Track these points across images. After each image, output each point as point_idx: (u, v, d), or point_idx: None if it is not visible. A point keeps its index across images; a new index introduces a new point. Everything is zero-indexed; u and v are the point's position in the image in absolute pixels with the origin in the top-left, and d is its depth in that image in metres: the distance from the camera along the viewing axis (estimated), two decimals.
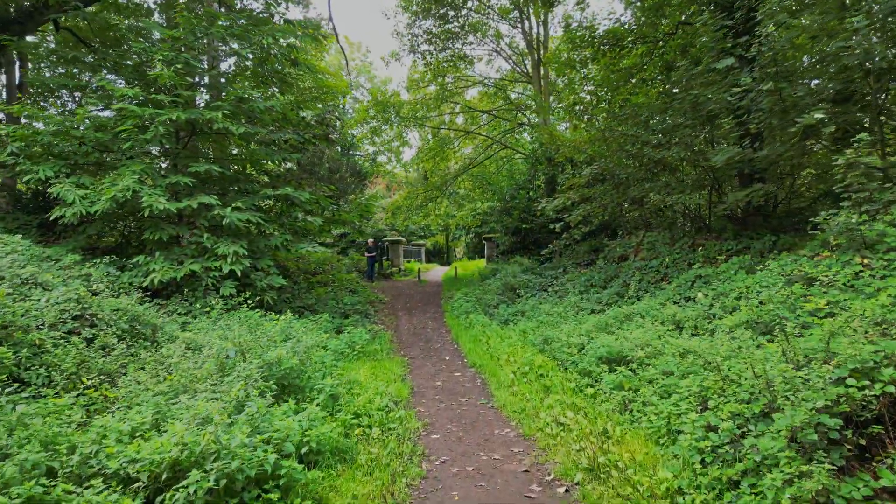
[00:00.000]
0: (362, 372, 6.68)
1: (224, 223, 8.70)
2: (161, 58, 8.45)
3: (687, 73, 9.39)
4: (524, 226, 17.37)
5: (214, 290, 8.97)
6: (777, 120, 7.40)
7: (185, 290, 8.82)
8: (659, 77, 12.76)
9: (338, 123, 24.50)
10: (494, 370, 7.13)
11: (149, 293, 8.60)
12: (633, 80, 12.64)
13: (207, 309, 8.29)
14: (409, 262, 26.88)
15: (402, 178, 31.78)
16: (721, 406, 3.87)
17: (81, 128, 8.97)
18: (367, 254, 19.11)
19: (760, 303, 5.55)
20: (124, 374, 5.07)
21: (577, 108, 13.81)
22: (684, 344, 5.50)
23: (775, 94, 7.07)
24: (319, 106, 11.54)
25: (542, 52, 19.99)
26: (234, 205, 8.89)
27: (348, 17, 59.02)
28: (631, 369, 5.47)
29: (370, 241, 19.48)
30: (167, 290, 8.73)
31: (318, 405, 4.78)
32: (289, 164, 20.40)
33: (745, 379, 4.12)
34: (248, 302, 8.54)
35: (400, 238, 23.59)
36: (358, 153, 36.52)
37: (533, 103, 21.29)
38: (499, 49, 20.92)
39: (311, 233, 12.33)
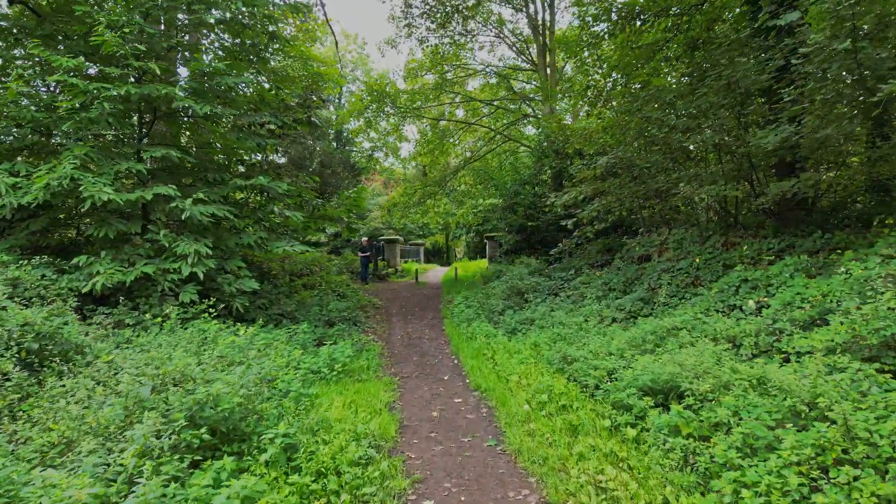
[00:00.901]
0: (338, 402, 5.35)
1: (184, 217, 7.37)
2: (106, 20, 7.10)
3: (726, 40, 8.07)
4: (530, 223, 16.05)
5: (173, 296, 7.65)
6: (850, 90, 6.09)
7: (138, 296, 7.49)
8: (682, 59, 11.44)
9: (330, 109, 23.12)
10: (503, 396, 5.79)
11: (92, 300, 7.28)
12: (654, 60, 11.31)
13: (161, 320, 6.97)
14: (406, 262, 25.57)
15: (399, 176, 30.47)
16: (860, 485, 2.55)
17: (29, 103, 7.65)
18: (360, 254, 17.79)
19: (859, 317, 4.21)
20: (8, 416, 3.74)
21: (590, 92, 12.47)
22: (756, 372, 4.17)
23: (851, 55, 5.74)
24: (303, 85, 10.23)
25: (548, 37, 18.65)
26: (195, 196, 7.55)
27: (345, 9, 57.69)
28: (689, 406, 4.13)
29: (364, 239, 18.16)
30: (116, 296, 7.41)
31: (265, 463, 3.46)
32: (280, 158, 19.07)
33: (884, 437, 2.79)
34: (212, 310, 7.22)
35: (397, 237, 22.26)
36: (354, 149, 35.26)
37: (538, 94, 19.97)
38: (502, 35, 19.59)
39: (292, 230, 10.99)
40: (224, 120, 9.36)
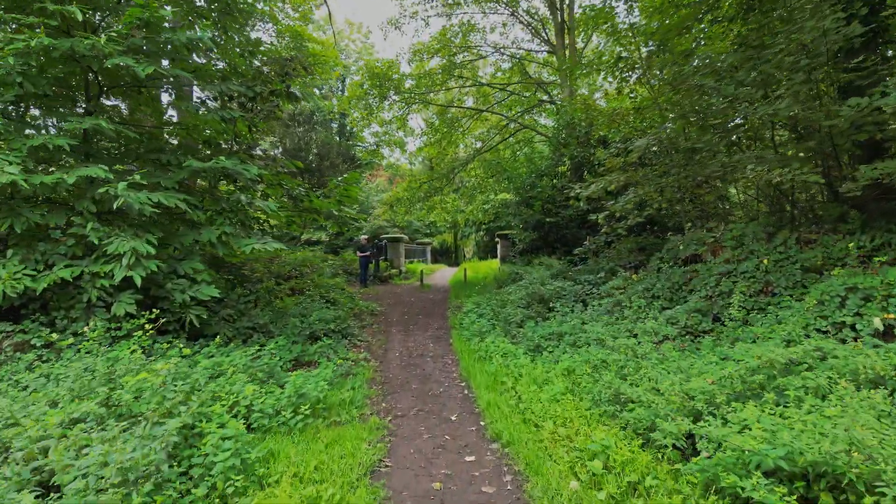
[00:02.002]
0: (296, 470, 3.62)
1: (116, 206, 5.69)
2: None
3: None
4: (548, 219, 14.26)
5: (104, 307, 5.98)
6: None
7: (56, 308, 5.83)
8: (735, 21, 9.61)
9: (333, 102, 21.38)
10: (535, 456, 4.05)
11: None
12: (704, 20, 9.49)
13: (83, 339, 5.31)
14: (411, 262, 23.85)
15: (405, 172, 28.77)
16: None
17: None
18: (359, 253, 16.09)
19: None
20: None
21: (622, 64, 10.65)
22: None
23: None
24: (285, 55, 8.52)
25: (567, 14, 16.85)
26: (130, 179, 5.87)
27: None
28: None
29: (363, 238, 16.46)
30: (28, 306, 5.76)
31: None
32: (277, 150, 17.41)
33: None
34: (150, 325, 5.55)
35: (401, 235, 20.54)
36: (359, 144, 33.67)
37: (555, 77, 18.17)
38: (516, 13, 17.80)
39: (273, 225, 9.31)
40: (185, 90, 7.70)
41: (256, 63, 8.33)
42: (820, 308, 5.37)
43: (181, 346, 5.73)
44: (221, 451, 3.40)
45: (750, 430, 3.35)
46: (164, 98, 9.35)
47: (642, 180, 10.03)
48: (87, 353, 5.02)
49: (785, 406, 3.57)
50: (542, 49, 18.61)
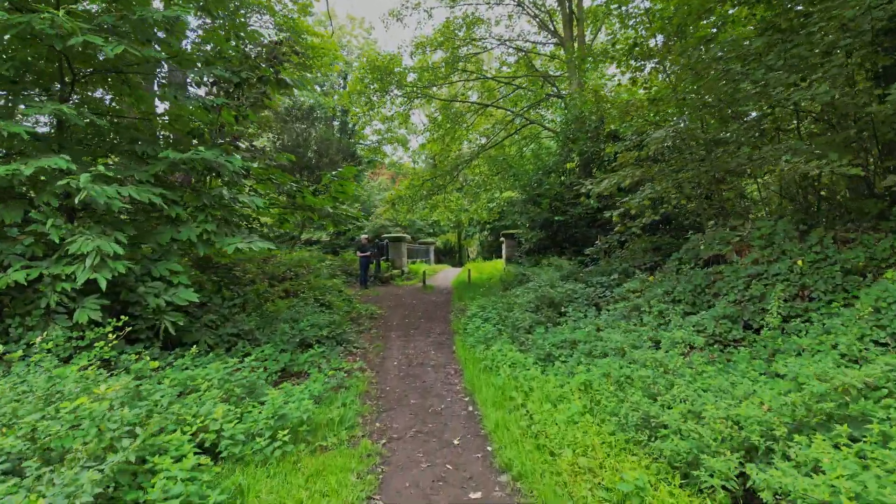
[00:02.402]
0: None
1: (77, 200, 5.07)
2: None
3: None
4: (556, 218, 13.59)
5: (66, 313, 5.36)
6: None
7: (12, 315, 5.22)
8: (752, 14, 8.93)
9: (332, 96, 20.68)
10: (555, 495, 3.40)
11: None
12: (725, 5, 8.81)
13: (39, 350, 4.71)
14: (414, 262, 23.22)
15: (408, 171, 28.16)
16: None
17: None
18: (359, 253, 15.47)
19: None
20: None
21: (637, 51, 9.97)
22: None
23: None
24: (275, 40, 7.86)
25: (575, 4, 16.17)
26: (93, 171, 5.26)
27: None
28: None
29: (364, 237, 15.83)
30: None
31: None
32: (276, 146, 16.85)
33: None
34: (116, 334, 4.94)
35: (403, 235, 19.91)
36: (361, 142, 33.08)
37: (562, 72, 17.50)
38: (523, 4, 17.14)
39: (259, 222, 8.70)
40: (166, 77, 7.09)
41: (245, 48, 7.70)
42: (876, 316, 4.69)
43: (148, 357, 5.11)
44: (171, 496, 2.76)
45: (823, 473, 2.69)
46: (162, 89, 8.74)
47: (658, 175, 9.36)
48: (41, 367, 4.40)
49: (863, 442, 2.90)
50: (550, 41, 17.94)
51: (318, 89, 30.08)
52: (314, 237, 26.79)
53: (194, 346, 6.21)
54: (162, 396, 4.27)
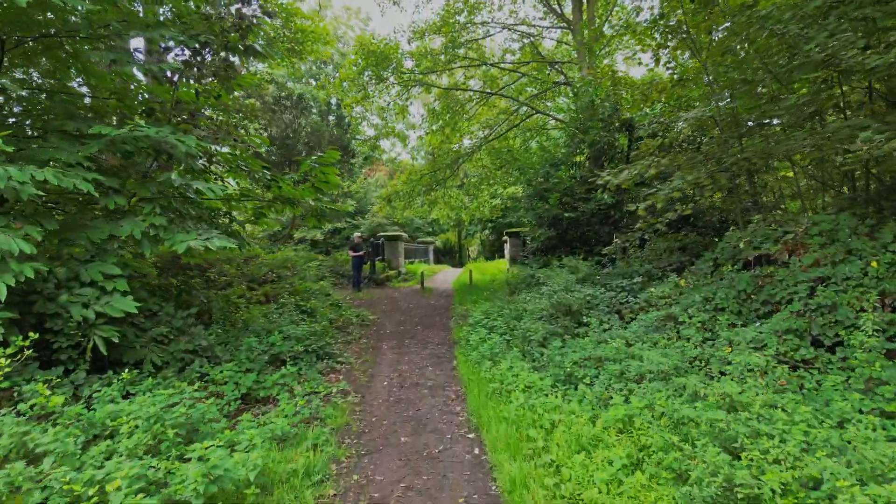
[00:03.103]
0: None
1: None
2: None
3: None
4: (566, 214, 12.40)
5: None
6: None
7: None
8: None
9: (327, 89, 19.40)
10: None
11: None
12: None
13: None
14: (412, 262, 22.03)
15: (406, 167, 26.97)
16: None
17: None
18: (351, 253, 14.27)
19: None
20: None
21: (662, 23, 8.78)
22: None
23: None
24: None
25: None
26: None
27: None
28: None
29: (356, 236, 14.63)
30: None
31: None
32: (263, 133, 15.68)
33: None
34: (9, 358, 3.77)
35: (400, 233, 18.72)
36: (358, 137, 31.89)
37: (569, 59, 16.31)
38: None
39: (228, 217, 7.55)
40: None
41: (206, 10, 6.50)
42: None
43: (50, 386, 3.92)
44: None
45: None
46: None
47: (687, 164, 8.20)
48: None
49: None
50: (557, 26, 16.74)
51: (313, 83, 28.90)
52: (308, 236, 25.63)
53: (139, 366, 5.05)
54: (56, 449, 3.10)
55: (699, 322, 6.06)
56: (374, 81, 15.57)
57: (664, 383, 4.77)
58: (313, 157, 6.94)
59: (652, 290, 7.72)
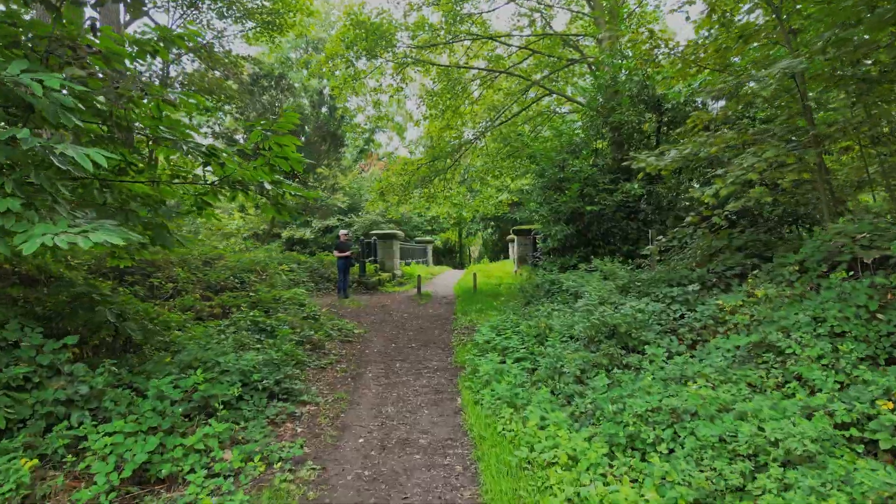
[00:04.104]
0: None
1: None
2: None
3: None
4: (588, 208, 10.52)
5: None
6: None
7: None
8: None
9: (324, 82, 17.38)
10: None
11: None
12: None
13: None
14: (408, 264, 20.13)
15: (403, 159, 25.08)
16: None
17: None
18: (336, 254, 12.36)
19: None
20: None
21: None
22: None
23: None
24: None
25: None
26: None
27: None
28: None
29: (342, 233, 12.71)
30: None
31: None
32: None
33: None
34: None
35: (395, 231, 16.81)
36: (353, 131, 30.00)
37: (584, 35, 14.43)
38: None
39: (177, 211, 5.67)
40: None
41: None
42: None
43: None
44: None
45: None
46: None
47: (763, 140, 6.34)
48: None
49: None
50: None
51: (304, 73, 26.94)
52: (296, 235, 23.73)
53: None
54: None
55: (816, 355, 4.18)
56: (366, 57, 13.67)
57: (811, 470, 2.88)
58: (263, 122, 5.05)
59: (719, 301, 5.83)
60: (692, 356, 5.11)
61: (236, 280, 8.54)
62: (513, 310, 8.57)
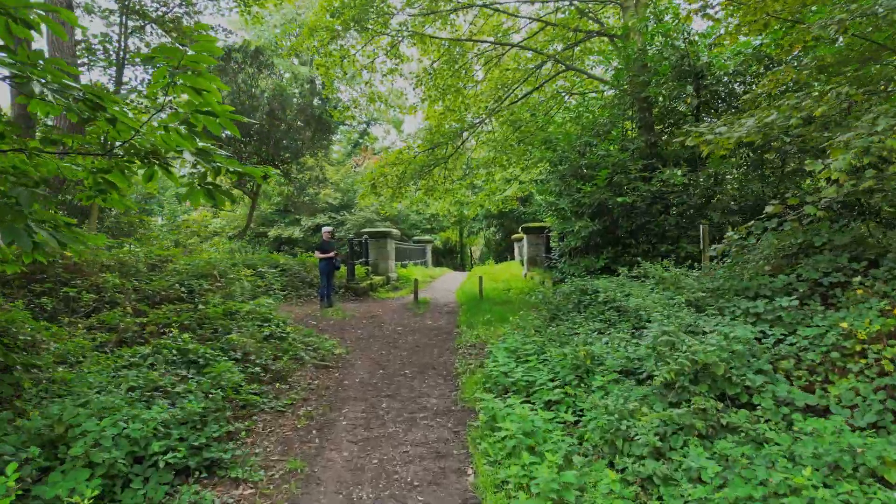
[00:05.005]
0: None
1: None
2: None
3: None
4: (620, 199, 8.72)
5: None
6: None
7: None
8: None
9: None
10: None
11: None
12: None
13: None
14: (405, 265, 18.32)
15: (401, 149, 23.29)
16: None
17: None
18: (318, 254, 10.54)
19: None
20: None
21: None
22: None
23: None
24: None
25: None
26: None
27: None
28: None
29: (325, 230, 10.89)
30: None
31: None
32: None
33: None
34: None
35: (388, 230, 15.00)
36: (347, 124, 28.16)
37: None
38: None
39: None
40: None
41: None
42: None
43: None
44: None
45: None
46: None
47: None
48: None
49: None
50: None
51: (296, 62, 25.12)
52: (283, 234, 21.94)
53: None
54: None
55: None
56: (354, 29, 11.87)
57: None
58: (164, 45, 3.27)
59: (842, 322, 4.05)
60: (827, 411, 3.33)
61: (183, 289, 6.74)
62: (533, 325, 6.76)
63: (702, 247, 7.53)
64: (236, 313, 6.50)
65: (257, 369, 5.42)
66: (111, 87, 12.36)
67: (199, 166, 4.03)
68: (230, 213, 21.81)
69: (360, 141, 27.94)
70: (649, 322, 4.46)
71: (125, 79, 12.35)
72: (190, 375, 4.47)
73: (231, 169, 4.23)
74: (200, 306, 6.42)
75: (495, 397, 4.78)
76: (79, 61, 10.72)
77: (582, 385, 4.46)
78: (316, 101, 22.32)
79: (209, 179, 4.20)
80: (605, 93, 11.73)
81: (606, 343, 4.75)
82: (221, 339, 5.56)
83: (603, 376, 4.20)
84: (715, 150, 5.99)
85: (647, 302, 4.87)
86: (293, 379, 5.92)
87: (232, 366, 4.77)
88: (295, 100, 15.13)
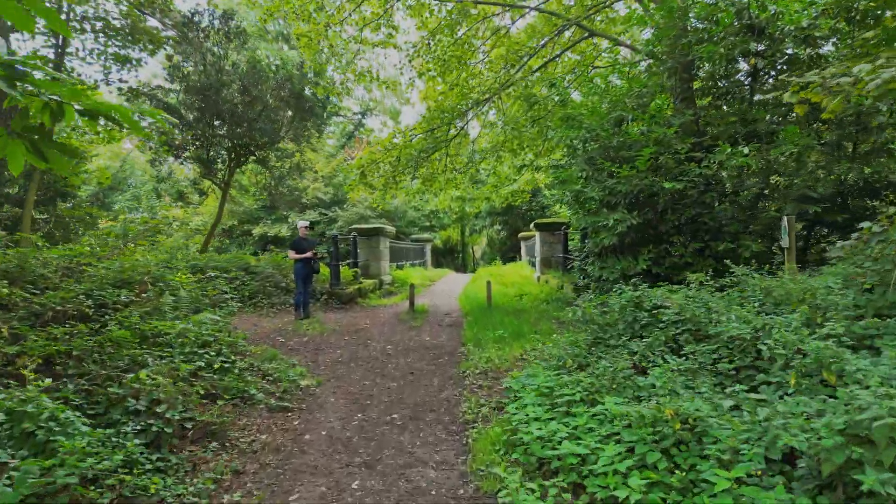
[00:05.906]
0: None
1: None
2: None
3: None
4: (667, 185, 6.89)
5: None
6: None
7: None
8: None
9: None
10: None
11: None
12: None
13: None
14: (401, 266, 16.50)
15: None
16: None
17: None
18: (293, 255, 8.73)
19: None
20: None
21: None
22: None
23: None
24: None
25: None
26: None
27: None
28: None
29: (301, 226, 9.07)
30: None
31: None
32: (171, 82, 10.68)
33: None
34: None
35: (381, 226, 13.18)
36: (340, 116, 26.41)
37: None
38: None
39: None
40: None
41: None
42: None
43: None
44: None
45: None
46: None
47: None
48: None
49: None
50: None
51: (285, 48, 23.29)
52: (270, 232, 20.12)
53: None
54: None
55: None
56: None
57: None
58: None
59: None
60: None
61: (89, 303, 4.93)
62: (567, 352, 4.94)
63: (787, 244, 5.73)
64: (158, 335, 4.69)
65: (169, 428, 3.61)
66: None
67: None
68: (212, 209, 20.02)
69: (355, 134, 26.13)
70: (790, 366, 2.65)
71: None
72: (14, 462, 2.65)
73: (77, 106, 2.40)
74: (110, 327, 4.61)
75: (527, 479, 3.03)
76: None
77: (678, 471, 2.66)
78: (296, 73, 20.43)
79: (38, 122, 2.40)
80: (639, 64, 9.90)
81: (705, 397, 2.94)
82: (119, 382, 3.75)
83: (728, 470, 2.39)
84: (833, 107, 4.20)
85: (780, 335, 3.05)
86: (233, 432, 4.13)
87: (101, 435, 2.95)
88: (272, 75, 13.28)
